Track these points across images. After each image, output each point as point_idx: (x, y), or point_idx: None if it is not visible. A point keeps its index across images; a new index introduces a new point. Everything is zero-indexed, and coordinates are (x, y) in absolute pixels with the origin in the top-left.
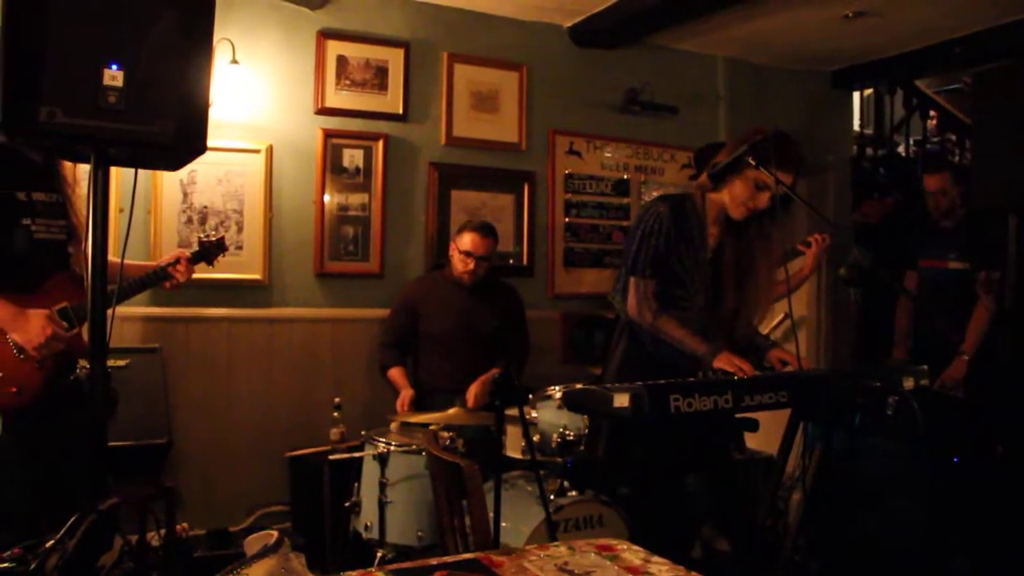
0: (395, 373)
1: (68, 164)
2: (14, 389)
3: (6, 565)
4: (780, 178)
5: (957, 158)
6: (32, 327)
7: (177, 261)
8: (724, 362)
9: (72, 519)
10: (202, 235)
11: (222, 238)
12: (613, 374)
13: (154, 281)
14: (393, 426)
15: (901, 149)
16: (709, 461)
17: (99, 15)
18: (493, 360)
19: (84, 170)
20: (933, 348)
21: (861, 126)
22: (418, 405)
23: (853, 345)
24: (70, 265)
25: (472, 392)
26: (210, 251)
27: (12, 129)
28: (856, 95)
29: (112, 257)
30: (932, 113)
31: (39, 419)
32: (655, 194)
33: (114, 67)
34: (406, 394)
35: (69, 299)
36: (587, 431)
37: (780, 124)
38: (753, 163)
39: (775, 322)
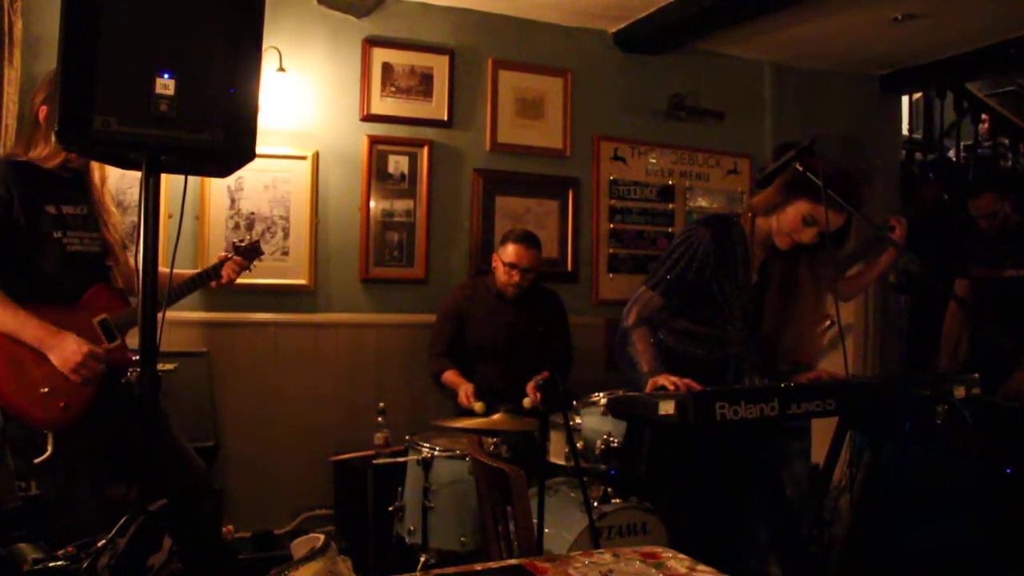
0: (449, 375)
1: (95, 177)
2: (62, 404)
3: (60, 563)
4: (832, 217)
5: (1010, 163)
6: (67, 348)
7: (221, 262)
8: (656, 383)
9: (123, 519)
10: (236, 240)
11: (256, 242)
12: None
13: (202, 282)
14: (446, 423)
15: (951, 154)
16: (760, 488)
17: (150, 25)
18: (539, 368)
19: (112, 181)
20: (990, 358)
21: (910, 130)
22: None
23: (902, 352)
24: (109, 278)
25: (531, 389)
26: (245, 255)
27: (68, 138)
28: (905, 99)
29: (160, 267)
30: (984, 116)
31: (88, 433)
32: (700, 201)
33: (166, 76)
34: (466, 387)
35: (109, 311)
36: (625, 439)
37: (828, 129)
38: (801, 169)
39: (823, 328)
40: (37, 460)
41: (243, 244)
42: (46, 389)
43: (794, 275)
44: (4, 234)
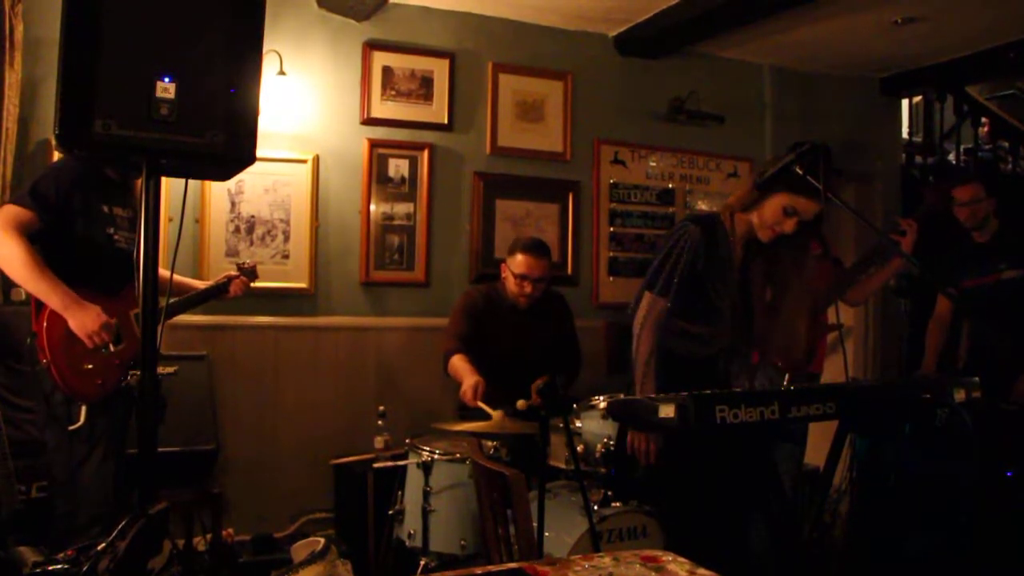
0: (457, 360)
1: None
2: (99, 381)
3: (60, 566)
4: (809, 205)
5: (1011, 166)
6: (87, 316)
7: (229, 280)
8: None
9: (123, 522)
10: (239, 262)
11: (255, 266)
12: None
13: (212, 296)
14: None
15: (951, 157)
16: (760, 491)
17: (151, 29)
18: (549, 372)
19: None
20: (990, 361)
21: (910, 134)
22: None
23: (902, 356)
24: None
25: (534, 390)
26: (248, 276)
27: (69, 141)
28: (905, 102)
29: (161, 270)
30: (983, 120)
31: (109, 418)
32: (700, 204)
33: (166, 80)
34: (473, 381)
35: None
36: (616, 443)
37: (827, 132)
38: (801, 172)
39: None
40: (71, 427)
41: (245, 267)
42: (90, 366)
43: (779, 269)
44: (61, 223)
